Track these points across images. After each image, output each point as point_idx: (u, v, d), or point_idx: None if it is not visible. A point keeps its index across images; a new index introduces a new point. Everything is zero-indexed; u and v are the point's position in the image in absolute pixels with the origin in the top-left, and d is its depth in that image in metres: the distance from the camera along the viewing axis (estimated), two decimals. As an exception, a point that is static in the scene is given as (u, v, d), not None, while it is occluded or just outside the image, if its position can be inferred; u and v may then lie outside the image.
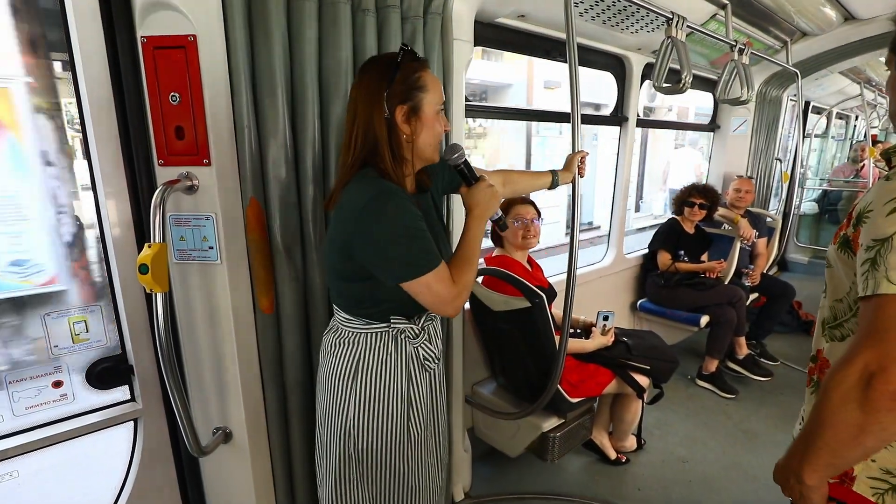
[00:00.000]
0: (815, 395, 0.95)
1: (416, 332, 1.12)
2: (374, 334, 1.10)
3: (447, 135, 1.51)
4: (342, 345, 1.13)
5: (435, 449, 1.25)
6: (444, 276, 1.01)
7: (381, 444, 1.13)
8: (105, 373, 1.30)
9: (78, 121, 1.16)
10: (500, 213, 1.19)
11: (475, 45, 1.65)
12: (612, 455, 2.24)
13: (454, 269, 1.04)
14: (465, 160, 1.12)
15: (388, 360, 1.11)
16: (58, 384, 1.25)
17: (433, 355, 1.17)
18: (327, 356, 1.16)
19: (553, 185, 1.58)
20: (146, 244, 1.06)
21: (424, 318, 1.15)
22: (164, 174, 1.19)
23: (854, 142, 6.14)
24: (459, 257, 1.07)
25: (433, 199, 1.23)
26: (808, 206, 5.42)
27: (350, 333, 1.12)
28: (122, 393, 1.35)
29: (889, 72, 0.88)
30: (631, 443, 2.29)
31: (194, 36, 1.09)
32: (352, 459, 1.14)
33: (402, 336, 1.11)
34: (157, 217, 1.06)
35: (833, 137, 6.17)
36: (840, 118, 6.08)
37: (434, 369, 1.20)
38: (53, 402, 1.25)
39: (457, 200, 1.65)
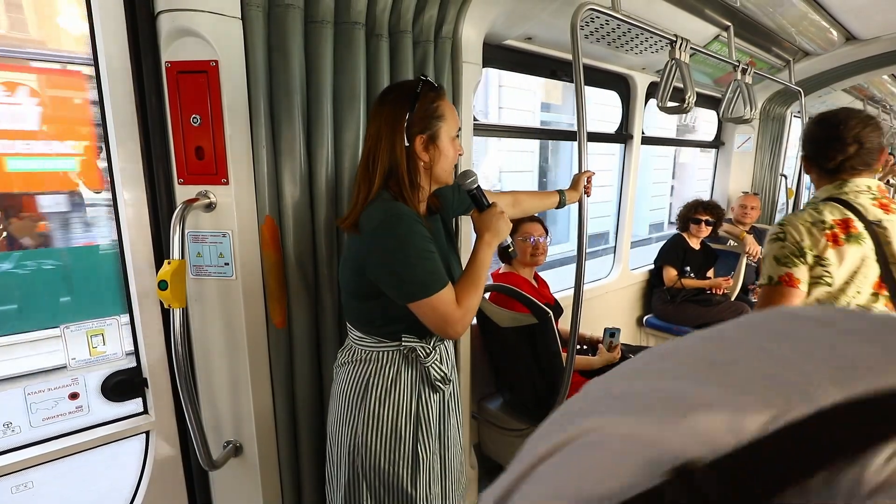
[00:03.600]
0: None
1: (427, 351, 1.13)
2: (385, 352, 1.12)
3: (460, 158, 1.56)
4: (354, 362, 1.15)
5: (442, 476, 1.23)
6: (450, 299, 1.03)
7: (388, 463, 1.13)
8: (120, 385, 1.32)
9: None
10: (509, 240, 1.21)
11: (483, 67, 1.70)
12: (619, 472, 2.22)
13: (460, 291, 1.06)
14: (478, 185, 1.15)
15: (399, 378, 1.12)
16: (74, 396, 1.28)
17: (444, 376, 1.18)
18: (340, 373, 1.19)
19: (560, 205, 1.61)
20: (165, 261, 1.09)
21: (436, 338, 1.17)
22: (183, 192, 1.22)
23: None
24: (466, 281, 1.09)
25: (443, 222, 1.26)
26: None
27: (362, 351, 1.14)
28: (134, 405, 1.37)
29: None
30: (638, 460, 2.28)
31: (216, 61, 1.13)
32: (359, 477, 1.14)
33: (413, 355, 1.13)
34: (177, 234, 1.10)
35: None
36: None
37: (445, 391, 1.21)
38: (69, 414, 1.28)
39: (465, 221, 1.68)
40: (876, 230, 1.20)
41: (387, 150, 1.05)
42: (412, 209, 1.06)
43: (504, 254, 1.27)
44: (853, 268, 1.20)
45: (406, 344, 1.11)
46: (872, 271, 1.20)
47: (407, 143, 1.05)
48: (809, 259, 1.21)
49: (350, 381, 1.15)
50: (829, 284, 1.21)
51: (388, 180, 1.06)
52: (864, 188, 1.26)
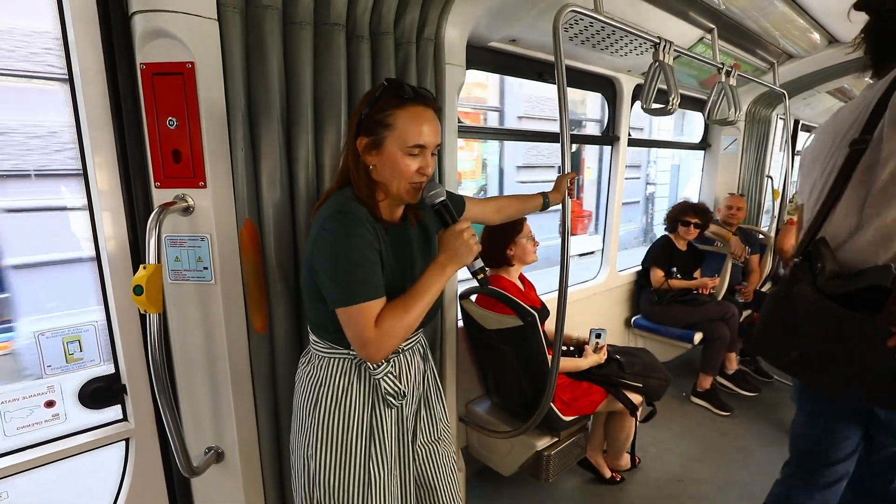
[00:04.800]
0: None
1: (377, 363, 1.06)
2: (336, 359, 1.08)
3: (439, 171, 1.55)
4: (309, 368, 1.12)
5: (402, 498, 1.15)
6: (369, 315, 0.95)
7: (338, 480, 1.05)
8: (98, 392, 1.30)
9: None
10: (480, 264, 1.07)
11: (467, 69, 1.70)
12: (607, 474, 2.23)
13: (387, 309, 0.97)
14: (444, 201, 1.04)
15: (350, 389, 1.07)
16: (50, 404, 1.25)
17: (397, 391, 1.09)
18: (298, 377, 1.16)
19: (544, 207, 1.61)
20: (141, 265, 1.07)
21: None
22: (160, 196, 1.21)
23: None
24: (397, 301, 0.99)
25: (426, 234, 1.19)
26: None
27: (317, 357, 1.11)
28: (113, 413, 1.35)
29: None
30: (625, 461, 2.29)
31: (192, 63, 1.12)
32: (313, 491, 1.08)
33: (364, 365, 1.08)
34: (153, 238, 1.08)
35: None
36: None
37: (399, 407, 1.12)
38: (45, 423, 1.25)
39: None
40: None
41: (346, 145, 1.06)
42: (366, 211, 1.01)
43: (478, 278, 1.10)
44: None
45: (354, 351, 1.04)
46: None
47: (353, 143, 1.04)
48: None
49: (303, 388, 1.11)
50: None
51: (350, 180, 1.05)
52: None
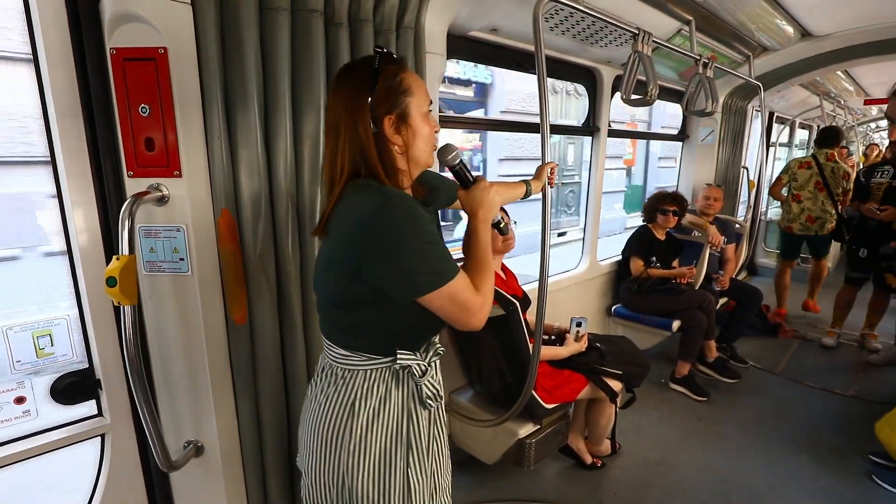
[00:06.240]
0: None
1: (424, 368, 1.00)
2: (373, 370, 0.98)
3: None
4: (336, 385, 0.99)
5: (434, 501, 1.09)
6: (468, 284, 0.91)
7: (378, 494, 0.98)
8: (71, 388, 1.27)
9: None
10: (499, 216, 1.12)
11: (448, 58, 1.69)
12: (588, 460, 2.27)
13: (474, 276, 0.94)
14: (461, 160, 1.03)
15: (389, 397, 0.99)
16: (20, 400, 1.22)
17: (436, 392, 1.05)
18: (315, 402, 1.02)
19: (527, 195, 1.61)
20: (114, 257, 1.05)
21: (432, 352, 1.05)
22: (133, 186, 1.18)
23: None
24: (475, 264, 0.97)
25: (433, 214, 1.15)
26: (774, 212, 5.62)
27: (346, 371, 0.99)
28: (88, 408, 1.32)
29: None
30: (606, 447, 2.33)
31: (165, 49, 1.09)
32: None
33: (406, 372, 1.00)
34: (126, 229, 1.05)
35: (797, 146, 6.41)
36: (803, 128, 6.33)
37: (435, 408, 1.08)
38: (15, 419, 1.22)
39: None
40: None
41: (351, 137, 0.91)
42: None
43: (500, 227, 1.20)
44: None
45: (401, 361, 0.97)
46: None
47: (374, 128, 0.91)
48: None
49: (331, 408, 0.98)
50: None
51: (365, 172, 0.93)
52: None
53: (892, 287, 3.28)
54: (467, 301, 0.90)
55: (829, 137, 3.87)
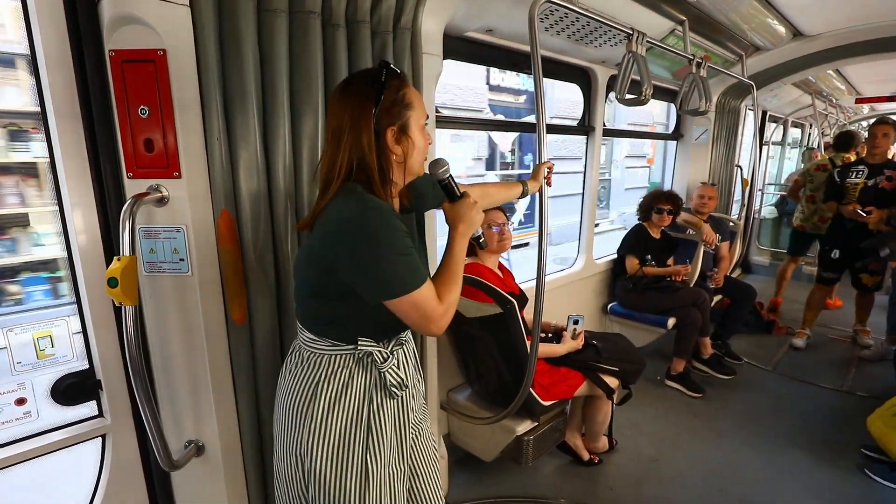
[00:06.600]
0: None
1: (385, 356, 1.07)
2: (338, 356, 1.05)
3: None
4: (302, 367, 1.07)
5: (393, 496, 1.11)
6: (431, 294, 0.97)
7: (334, 476, 1.04)
8: (72, 388, 1.27)
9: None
10: (480, 231, 1.18)
11: (444, 59, 1.70)
12: (585, 456, 2.29)
13: (440, 286, 1.01)
14: (450, 175, 1.10)
15: (351, 382, 1.05)
16: (21, 401, 1.22)
17: (400, 381, 1.10)
18: (284, 380, 1.10)
19: (523, 195, 1.63)
20: (115, 257, 1.05)
21: (394, 342, 1.11)
22: (133, 187, 1.18)
23: (806, 148, 6.46)
24: (445, 275, 1.04)
25: (416, 218, 1.21)
26: (767, 210, 5.67)
27: (312, 354, 1.06)
28: (89, 409, 1.32)
29: None
30: (603, 444, 2.35)
31: (164, 50, 1.09)
32: (308, 489, 1.06)
33: (369, 359, 1.06)
34: (126, 230, 1.06)
35: (790, 144, 6.47)
36: (796, 126, 6.38)
37: (402, 397, 1.12)
38: (16, 421, 1.22)
39: (427, 217, 1.68)
40: None
41: (353, 144, 0.97)
42: (386, 203, 1.00)
43: (473, 245, 1.23)
44: None
45: (362, 348, 1.04)
46: None
47: (376, 138, 0.98)
48: None
49: (297, 387, 1.06)
50: None
51: (357, 176, 0.98)
52: None
53: (869, 286, 3.34)
54: (429, 310, 0.97)
55: (846, 142, 4.05)
